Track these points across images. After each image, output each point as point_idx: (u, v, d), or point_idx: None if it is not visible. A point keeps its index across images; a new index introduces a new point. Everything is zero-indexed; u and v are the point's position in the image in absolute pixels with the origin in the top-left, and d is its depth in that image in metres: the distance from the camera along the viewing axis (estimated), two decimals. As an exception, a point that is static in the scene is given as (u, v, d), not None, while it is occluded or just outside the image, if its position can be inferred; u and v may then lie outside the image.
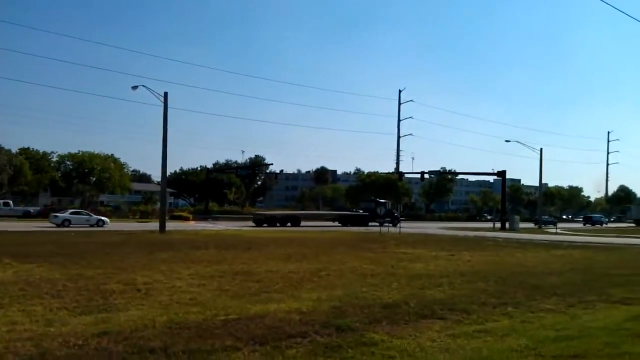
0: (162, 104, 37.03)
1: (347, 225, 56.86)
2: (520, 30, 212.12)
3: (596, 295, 11.70)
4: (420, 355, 6.72)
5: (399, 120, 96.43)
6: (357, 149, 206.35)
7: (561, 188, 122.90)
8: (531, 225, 67.32)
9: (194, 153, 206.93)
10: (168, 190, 78.79)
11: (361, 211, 63.52)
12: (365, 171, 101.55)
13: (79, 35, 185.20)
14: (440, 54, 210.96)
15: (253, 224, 52.97)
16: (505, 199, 71.77)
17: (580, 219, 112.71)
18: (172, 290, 11.21)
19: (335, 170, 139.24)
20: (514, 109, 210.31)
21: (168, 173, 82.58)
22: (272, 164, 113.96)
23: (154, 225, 40.74)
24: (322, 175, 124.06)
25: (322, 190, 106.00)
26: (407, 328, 8.16)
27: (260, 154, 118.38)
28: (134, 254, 19.43)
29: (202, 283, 12.32)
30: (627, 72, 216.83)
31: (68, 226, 41.93)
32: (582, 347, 7.06)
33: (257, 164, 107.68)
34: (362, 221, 58.92)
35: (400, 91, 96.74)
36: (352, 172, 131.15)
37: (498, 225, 59.98)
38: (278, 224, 53.01)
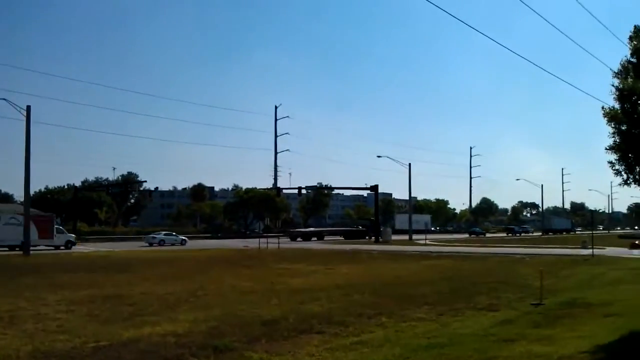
0: (25, 119, 34.66)
1: (351, 239, 66.59)
2: (392, 48, 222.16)
3: (464, 303, 12.44)
4: (299, 371, 6.77)
5: (275, 136, 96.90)
6: (235, 165, 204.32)
7: (429, 201, 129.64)
8: (404, 237, 70.25)
9: (60, 171, 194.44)
10: (32, 210, 73.72)
11: (360, 227, 76.95)
12: (244, 187, 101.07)
13: None
14: (316, 70, 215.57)
15: (289, 239, 62.79)
16: (378, 212, 74.48)
17: (449, 230, 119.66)
18: (38, 318, 10.49)
19: (213, 187, 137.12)
20: (386, 126, 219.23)
21: (33, 192, 76.86)
22: (145, 181, 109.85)
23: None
24: (199, 192, 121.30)
25: (199, 208, 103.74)
26: (286, 344, 8.20)
27: (134, 170, 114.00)
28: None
29: (71, 309, 11.62)
30: (489, 92, 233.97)
31: (163, 245, 51.15)
32: (453, 354, 7.46)
33: (129, 182, 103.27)
34: (362, 235, 70.98)
35: (276, 107, 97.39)
36: (230, 188, 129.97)
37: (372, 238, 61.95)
38: (314, 238, 66.50)
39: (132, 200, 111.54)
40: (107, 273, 20.49)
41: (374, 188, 69.32)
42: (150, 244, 52.33)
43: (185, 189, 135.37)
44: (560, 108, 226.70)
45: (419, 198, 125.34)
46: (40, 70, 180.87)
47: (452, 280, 17.81)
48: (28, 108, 34.86)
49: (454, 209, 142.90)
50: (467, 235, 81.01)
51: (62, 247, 44.84)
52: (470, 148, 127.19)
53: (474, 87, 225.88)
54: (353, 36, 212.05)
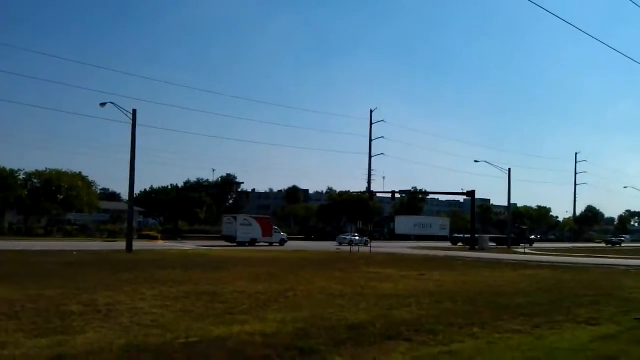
0: (131, 121, 36.58)
1: (501, 245, 67.77)
2: (490, 52, 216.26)
3: (562, 315, 11.75)
4: (383, 378, 6.60)
5: (370, 140, 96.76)
6: (329, 168, 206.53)
7: (530, 208, 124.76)
8: (502, 245, 67.90)
9: (164, 171, 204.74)
10: (137, 208, 77.75)
11: (512, 234, 74.67)
12: (337, 190, 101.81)
13: (49, 51, 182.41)
14: (412, 74, 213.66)
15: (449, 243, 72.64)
16: (475, 219, 72.40)
17: (551, 238, 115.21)
18: (134, 312, 10.91)
19: (307, 189, 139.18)
20: (484, 130, 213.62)
21: (137, 191, 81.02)
22: (243, 183, 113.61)
23: (121, 244, 40.01)
24: (294, 194, 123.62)
25: (293, 209, 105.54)
26: (372, 350, 8.04)
27: (232, 172, 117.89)
28: (98, 273, 18.98)
29: (165, 304, 12.04)
30: (594, 95, 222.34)
31: (354, 244, 49.54)
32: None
33: (228, 183, 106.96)
34: (515, 242, 69.22)
35: (371, 111, 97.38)
36: (324, 191, 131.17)
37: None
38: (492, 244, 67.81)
39: (230, 201, 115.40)
40: (203, 270, 21.17)
41: (470, 193, 67.50)
42: (340, 243, 59.32)
43: (280, 190, 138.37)
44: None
45: (519, 204, 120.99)
46: (145, 75, 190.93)
47: (550, 291, 16.91)
48: (134, 111, 36.75)
49: (557, 217, 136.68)
50: (569, 244, 76.03)
51: (275, 244, 54.05)
52: (575, 154, 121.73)
53: (582, 90, 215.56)
54: (452, 39, 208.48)
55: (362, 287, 16.51)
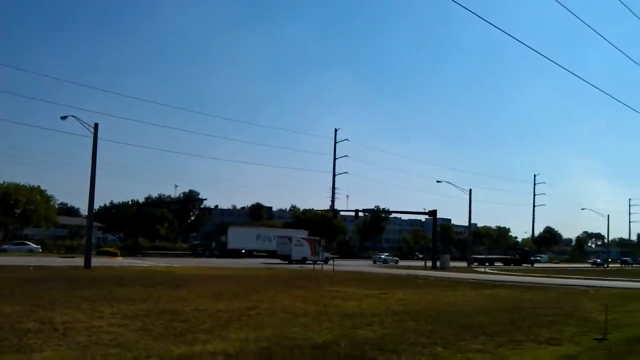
0: (92, 135, 35.95)
1: (509, 264, 79.02)
2: (453, 73, 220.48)
3: (524, 335, 11.86)
4: (348, 399, 6.53)
5: (334, 159, 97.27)
6: (293, 186, 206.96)
7: (490, 228, 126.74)
8: (462, 264, 68.95)
9: (125, 187, 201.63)
10: (96, 224, 76.09)
11: (518, 255, 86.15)
12: (301, 208, 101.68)
13: (7, 63, 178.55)
14: (377, 94, 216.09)
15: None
16: (436, 238, 73.18)
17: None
18: (92, 330, 10.61)
19: (271, 207, 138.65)
20: (446, 150, 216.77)
21: (97, 207, 79.42)
22: (206, 199, 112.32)
23: (79, 261, 39.06)
24: (258, 211, 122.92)
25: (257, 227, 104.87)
26: (336, 370, 7.97)
27: (195, 188, 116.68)
28: (55, 290, 18.45)
29: (125, 323, 11.74)
30: (554, 118, 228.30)
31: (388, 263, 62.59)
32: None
33: (190, 199, 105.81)
34: (520, 262, 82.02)
35: (336, 130, 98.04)
36: (288, 208, 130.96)
37: (430, 264, 60.96)
38: (487, 263, 77.59)
39: (192, 218, 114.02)
40: (163, 288, 20.77)
41: (433, 213, 68.23)
42: (375, 262, 70.37)
43: (244, 207, 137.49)
44: (629, 137, 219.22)
45: (479, 225, 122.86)
46: (107, 89, 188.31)
47: (511, 310, 17.10)
48: (96, 125, 36.15)
49: (516, 237, 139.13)
50: (506, 265, 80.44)
51: (320, 262, 55.08)
52: (534, 176, 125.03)
53: (541, 112, 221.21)
54: (415, 61, 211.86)
55: (325, 306, 16.41)
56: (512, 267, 73.18)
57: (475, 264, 76.65)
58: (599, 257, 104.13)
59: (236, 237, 79.13)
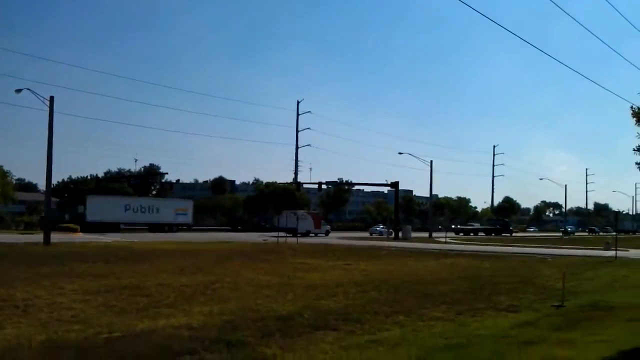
0: (48, 109, 34.97)
1: (490, 234, 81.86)
2: (414, 47, 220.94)
3: (484, 303, 12.19)
4: (312, 369, 6.62)
5: (297, 131, 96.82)
6: (256, 160, 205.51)
7: (450, 199, 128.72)
8: (425, 234, 70.25)
9: (83, 161, 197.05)
10: (55, 200, 74.47)
11: (498, 226, 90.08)
12: (264, 181, 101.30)
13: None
14: (339, 67, 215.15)
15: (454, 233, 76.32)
16: (399, 209, 74.07)
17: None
18: (53, 307, 10.47)
19: (234, 181, 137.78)
20: (408, 123, 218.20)
21: (56, 182, 77.15)
22: (167, 173, 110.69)
23: (38, 237, 38.28)
24: (220, 185, 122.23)
25: (220, 200, 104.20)
26: (300, 341, 8.06)
27: (156, 162, 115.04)
28: (15, 267, 18.15)
29: (87, 299, 11.61)
30: (513, 90, 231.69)
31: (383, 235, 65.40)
32: (470, 356, 7.25)
33: (151, 173, 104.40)
34: (500, 232, 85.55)
35: (298, 102, 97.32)
36: (251, 182, 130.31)
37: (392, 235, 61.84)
38: (471, 234, 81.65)
39: (154, 192, 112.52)
40: (125, 264, 20.57)
41: (395, 185, 68.93)
42: (372, 234, 74.02)
43: (206, 181, 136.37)
44: (587, 109, 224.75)
45: (440, 195, 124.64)
46: (64, 62, 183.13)
47: (471, 279, 17.52)
48: (51, 98, 35.12)
49: (475, 207, 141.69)
50: (487, 235, 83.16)
51: (322, 235, 66.48)
52: (494, 147, 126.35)
53: (500, 86, 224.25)
54: (377, 34, 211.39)
55: (289, 278, 16.53)
56: (492, 236, 77.28)
57: (461, 234, 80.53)
58: (565, 227, 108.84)
59: (97, 207, 66.62)
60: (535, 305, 12.15)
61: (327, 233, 69.38)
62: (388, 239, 56.27)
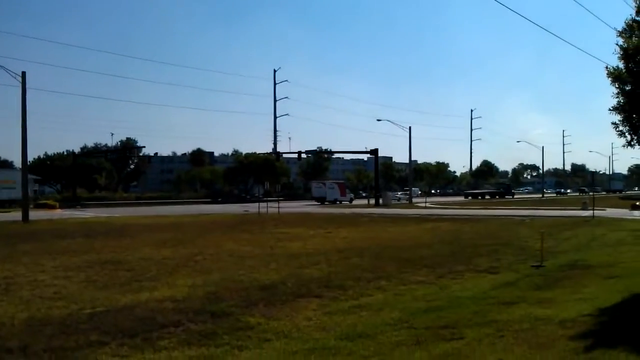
0: (20, 85, 34.21)
1: (494, 197, 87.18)
2: (392, 11, 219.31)
3: (464, 266, 12.38)
4: (296, 336, 6.70)
5: (275, 101, 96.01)
6: (235, 130, 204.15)
7: (429, 164, 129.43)
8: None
9: (59, 137, 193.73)
10: (32, 177, 73.27)
11: (501, 189, 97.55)
12: (244, 152, 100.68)
13: None
14: (316, 35, 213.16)
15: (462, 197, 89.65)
16: (379, 176, 74.42)
17: (450, 192, 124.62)
18: (35, 284, 10.40)
19: (213, 152, 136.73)
20: (386, 90, 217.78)
21: (32, 158, 76.17)
22: (144, 147, 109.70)
23: (16, 215, 37.78)
24: (199, 157, 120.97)
25: (199, 173, 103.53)
26: (284, 309, 8.13)
27: (133, 136, 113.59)
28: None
29: (68, 275, 11.54)
30: (488, 53, 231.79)
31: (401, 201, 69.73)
32: (452, 317, 7.38)
33: (128, 147, 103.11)
34: (503, 195, 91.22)
35: (275, 71, 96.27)
36: (230, 153, 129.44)
37: (373, 201, 62.22)
38: (479, 197, 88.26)
39: (132, 166, 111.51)
40: (105, 238, 20.43)
41: (374, 152, 69.04)
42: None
43: (184, 154, 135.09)
44: (562, 70, 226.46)
45: (419, 161, 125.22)
46: (35, 36, 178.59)
47: (452, 242, 17.76)
48: (23, 74, 34.33)
49: (454, 172, 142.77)
50: (464, 198, 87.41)
51: (346, 202, 70.28)
52: (471, 111, 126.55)
53: (476, 49, 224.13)
54: (355, 2, 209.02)
55: (272, 248, 16.59)
56: (497, 199, 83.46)
57: (469, 197, 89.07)
58: (558, 189, 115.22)
59: None
60: (515, 266, 12.37)
61: (351, 200, 73.22)
62: (369, 206, 56.59)
